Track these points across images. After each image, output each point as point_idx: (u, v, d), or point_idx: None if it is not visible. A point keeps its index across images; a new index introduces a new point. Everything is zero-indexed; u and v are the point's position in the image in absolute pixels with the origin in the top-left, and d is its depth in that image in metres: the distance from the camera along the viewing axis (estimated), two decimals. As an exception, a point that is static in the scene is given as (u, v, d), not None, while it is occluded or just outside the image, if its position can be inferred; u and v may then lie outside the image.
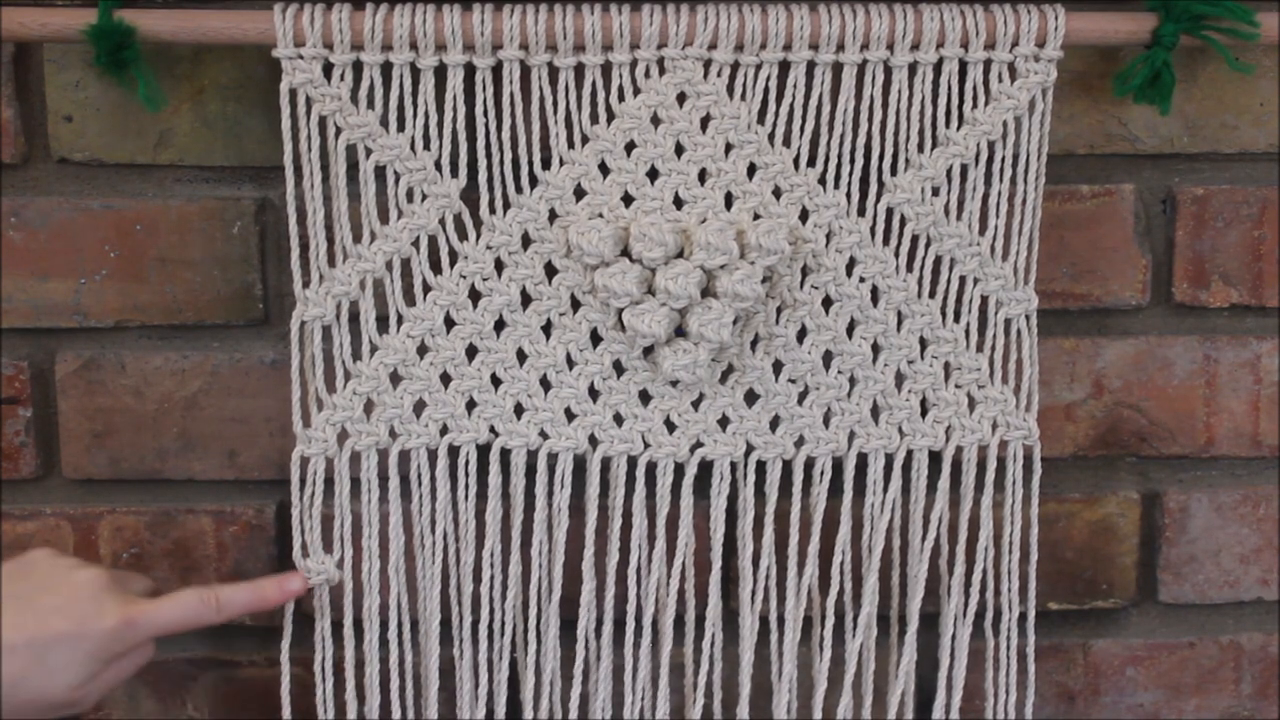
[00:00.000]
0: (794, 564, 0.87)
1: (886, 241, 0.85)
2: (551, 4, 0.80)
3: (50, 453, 0.89)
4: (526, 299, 0.84)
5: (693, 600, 0.88)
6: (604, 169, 0.83)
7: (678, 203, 0.83)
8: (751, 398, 0.86)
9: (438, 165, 0.82)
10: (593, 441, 0.85)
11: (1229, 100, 0.88)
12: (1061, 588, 0.94)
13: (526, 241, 0.83)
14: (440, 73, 0.81)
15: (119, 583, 0.79)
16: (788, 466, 0.87)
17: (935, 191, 0.84)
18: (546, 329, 0.84)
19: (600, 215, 0.83)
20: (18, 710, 0.74)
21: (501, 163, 0.82)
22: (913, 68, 0.82)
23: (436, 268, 0.83)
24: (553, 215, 0.83)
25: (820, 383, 0.85)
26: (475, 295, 0.84)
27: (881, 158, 0.84)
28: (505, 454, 0.85)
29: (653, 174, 0.83)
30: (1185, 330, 0.91)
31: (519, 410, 0.85)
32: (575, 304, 0.84)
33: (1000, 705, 0.90)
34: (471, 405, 0.85)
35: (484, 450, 0.85)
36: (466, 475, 0.85)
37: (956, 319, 0.86)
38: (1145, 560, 0.94)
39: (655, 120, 0.82)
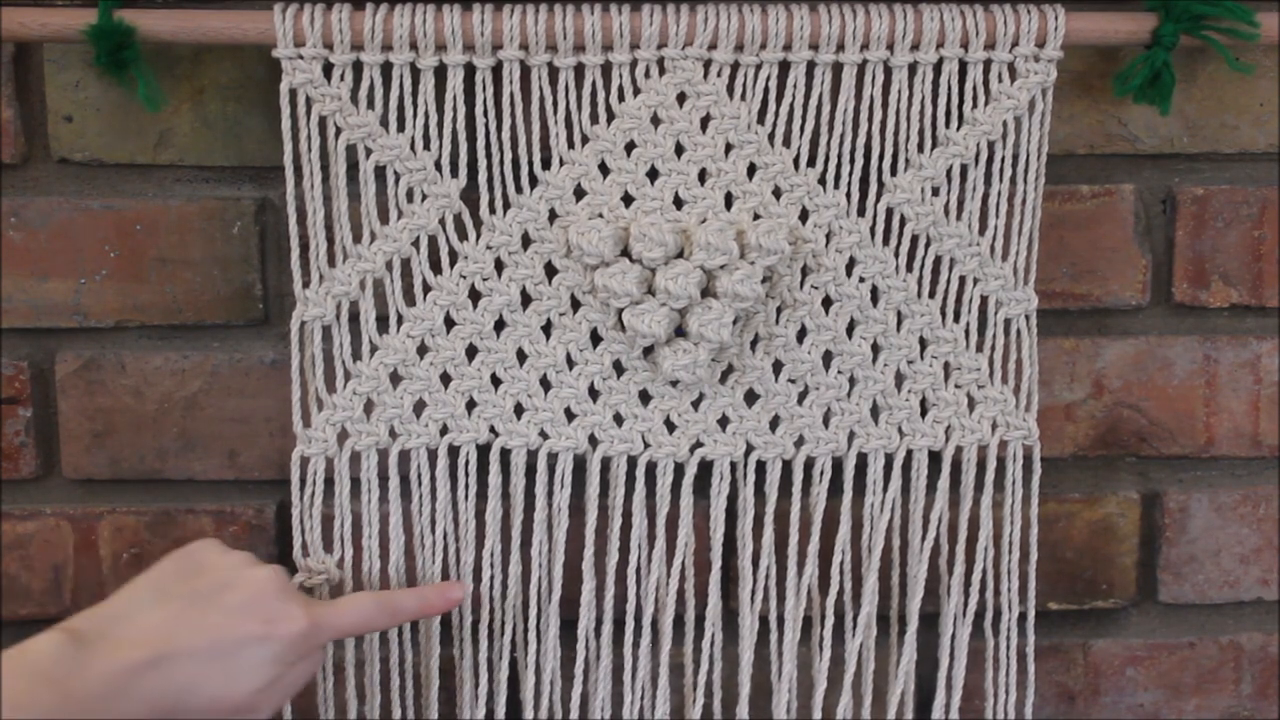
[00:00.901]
0: (794, 564, 0.87)
1: (886, 241, 0.85)
2: (551, 4, 0.80)
3: (50, 453, 0.89)
4: (526, 299, 0.84)
5: (692, 600, 0.88)
6: (604, 169, 0.83)
7: (678, 203, 0.83)
8: (751, 398, 0.86)
9: (438, 165, 0.82)
10: (593, 441, 0.85)
11: (1229, 100, 0.88)
12: (1061, 588, 0.94)
13: (526, 241, 0.83)
14: (440, 73, 0.81)
15: (291, 582, 0.76)
16: (787, 466, 0.87)
17: (935, 191, 0.84)
18: (546, 329, 0.84)
19: (600, 215, 0.83)
20: (193, 714, 0.69)
21: (501, 163, 0.82)
22: (913, 68, 0.82)
23: (436, 268, 0.83)
24: (553, 215, 0.83)
25: (820, 383, 0.85)
26: (475, 295, 0.84)
27: (881, 158, 0.84)
28: (505, 454, 0.85)
29: (653, 174, 0.83)
30: (1185, 330, 0.91)
31: (519, 410, 0.85)
32: (575, 304, 0.84)
33: (1000, 705, 0.90)
34: (471, 405, 0.85)
35: (484, 450, 0.85)
36: (466, 475, 0.85)
37: (956, 319, 0.86)
38: (1145, 560, 0.94)
39: (655, 120, 0.82)
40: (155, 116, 0.84)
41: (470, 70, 0.81)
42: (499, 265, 0.84)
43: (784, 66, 0.82)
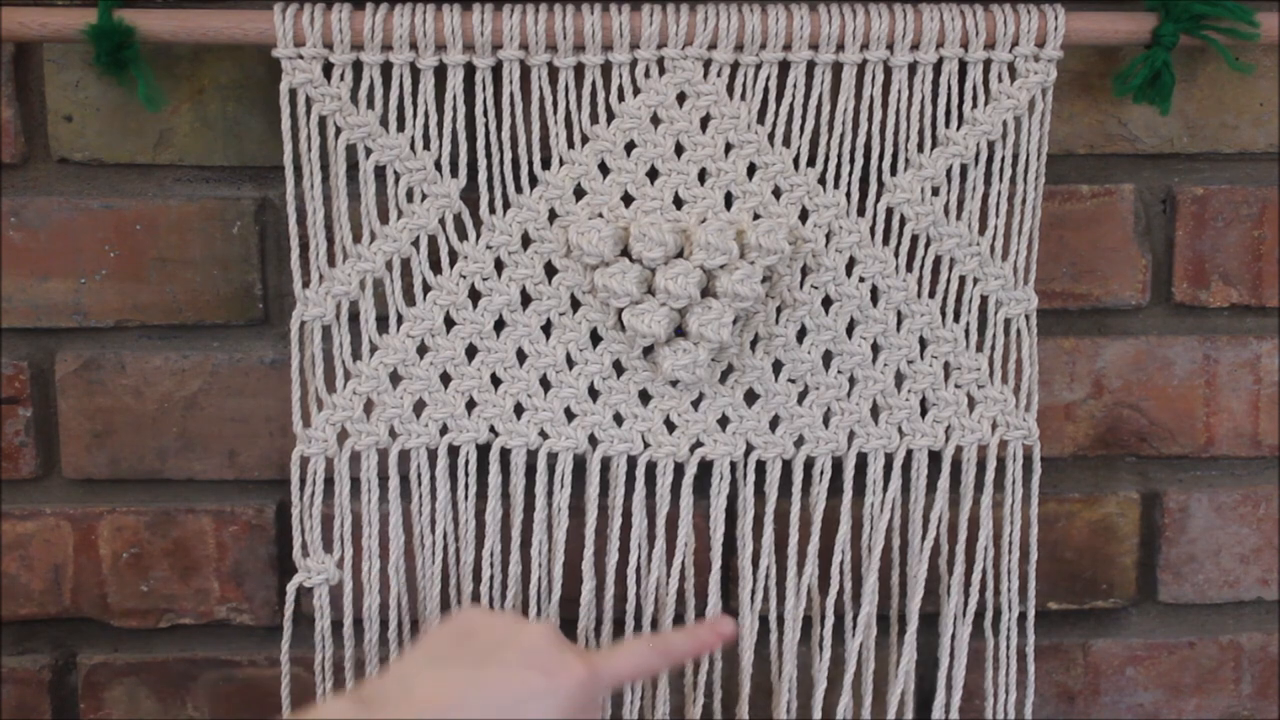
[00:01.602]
0: (794, 564, 0.87)
1: (886, 241, 0.85)
2: (551, 4, 0.80)
3: (50, 453, 0.89)
4: (526, 299, 0.84)
5: (693, 600, 0.87)
6: (604, 169, 0.83)
7: (678, 203, 0.83)
8: (751, 397, 0.86)
9: (438, 165, 0.82)
10: (593, 441, 0.85)
11: (1229, 100, 0.88)
12: (1061, 588, 0.94)
13: (526, 241, 0.83)
14: (440, 73, 0.81)
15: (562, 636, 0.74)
16: (787, 466, 0.87)
17: (935, 191, 0.84)
18: (546, 329, 0.84)
19: (600, 215, 0.83)
20: None
21: (501, 163, 0.82)
22: (912, 68, 0.82)
23: (436, 268, 0.83)
24: (553, 215, 0.83)
25: (820, 382, 0.85)
26: (475, 295, 0.84)
27: (881, 158, 0.84)
28: (505, 454, 0.85)
29: (653, 174, 0.83)
30: (1185, 330, 0.91)
31: (519, 410, 0.85)
32: (575, 304, 0.84)
33: (1000, 705, 0.90)
34: (471, 405, 0.85)
35: (484, 450, 0.85)
36: (466, 475, 0.85)
37: (956, 319, 0.86)
38: (1145, 560, 0.94)
39: (655, 120, 0.82)
40: (155, 116, 0.84)
41: (470, 70, 0.81)
42: (499, 265, 0.84)
43: (784, 66, 0.82)
